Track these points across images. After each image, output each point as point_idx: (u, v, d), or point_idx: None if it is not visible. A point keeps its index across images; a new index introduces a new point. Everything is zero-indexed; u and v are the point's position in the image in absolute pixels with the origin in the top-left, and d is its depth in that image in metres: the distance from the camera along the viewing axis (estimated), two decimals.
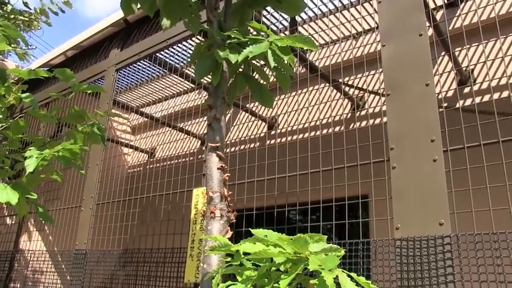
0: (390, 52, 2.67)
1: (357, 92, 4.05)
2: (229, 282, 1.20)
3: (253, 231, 1.24)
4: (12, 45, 5.18)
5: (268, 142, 4.68)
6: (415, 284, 2.17)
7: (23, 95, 2.29)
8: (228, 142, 4.80)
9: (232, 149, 4.10)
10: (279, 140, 4.56)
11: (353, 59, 3.19)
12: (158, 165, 5.13)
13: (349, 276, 0.99)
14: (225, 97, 1.72)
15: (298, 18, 4.45)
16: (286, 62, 1.63)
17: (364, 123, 4.07)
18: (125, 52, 4.59)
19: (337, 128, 4.15)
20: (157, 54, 4.43)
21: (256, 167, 3.26)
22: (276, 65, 1.54)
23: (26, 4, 6.05)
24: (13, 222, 5.50)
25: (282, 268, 1.22)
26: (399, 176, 2.42)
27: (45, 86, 5.82)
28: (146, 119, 5.89)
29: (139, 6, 1.85)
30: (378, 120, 4.06)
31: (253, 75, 1.98)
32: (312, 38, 4.27)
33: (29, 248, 5.54)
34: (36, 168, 2.41)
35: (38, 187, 5.57)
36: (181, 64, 4.99)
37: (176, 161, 4.76)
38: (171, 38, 4.07)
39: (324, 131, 4.09)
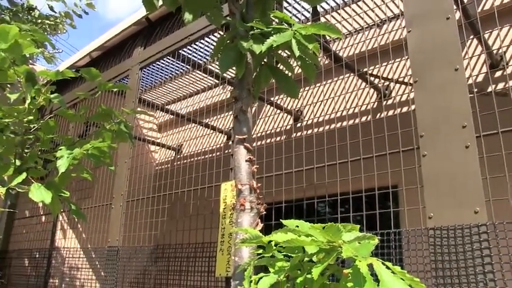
0: (416, 38, 2.61)
1: (383, 80, 3.98)
2: (262, 274, 1.19)
3: (284, 221, 1.23)
4: (40, 49, 5.29)
5: (294, 134, 4.66)
6: (450, 274, 2.12)
7: (52, 96, 2.33)
8: (254, 136, 4.79)
9: (259, 143, 4.09)
10: (305, 132, 4.53)
11: (378, 47, 3.13)
12: (185, 161, 5.17)
13: (384, 264, 0.97)
14: (250, 89, 1.71)
15: (320, 9, 4.40)
16: (310, 50, 1.60)
17: (391, 112, 4.00)
18: (148, 50, 4.63)
19: (363, 118, 4.09)
20: (180, 51, 4.45)
21: (283, 159, 3.24)
22: (300, 54, 1.52)
23: (51, 8, 6.18)
24: (48, 221, 5.64)
25: (314, 259, 1.20)
26: (430, 163, 2.37)
27: (72, 87, 5.93)
28: (172, 116, 5.94)
29: (161, 2, 1.85)
30: (405, 109, 3.99)
31: (278, 66, 1.96)
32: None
33: (64, 245, 5.68)
34: (68, 168, 2.46)
35: (69, 186, 5.70)
36: (205, 60, 5.00)
37: (203, 156, 4.79)
38: (193, 34, 4.08)
39: (351, 122, 4.04)
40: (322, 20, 4.32)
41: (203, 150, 5.46)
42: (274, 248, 1.31)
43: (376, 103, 4.30)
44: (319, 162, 3.00)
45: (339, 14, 4.15)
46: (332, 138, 2.99)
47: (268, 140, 4.21)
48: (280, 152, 3.29)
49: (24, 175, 2.15)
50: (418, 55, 2.58)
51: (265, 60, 1.88)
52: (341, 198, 2.77)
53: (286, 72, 1.91)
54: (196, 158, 4.61)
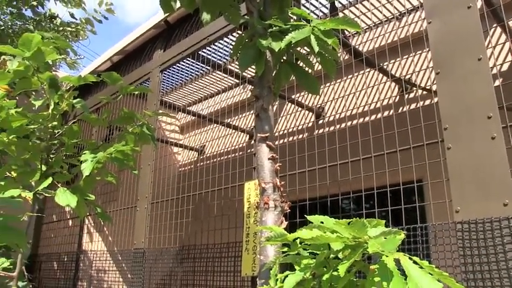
0: (437, 29, 2.56)
1: (404, 74, 3.92)
2: (288, 273, 1.18)
3: (309, 218, 1.22)
4: (62, 56, 5.39)
5: (316, 131, 4.63)
6: (480, 269, 2.08)
7: (75, 101, 2.36)
8: (276, 134, 4.78)
9: (281, 141, 4.08)
10: (327, 128, 4.50)
11: (398, 40, 3.09)
12: (208, 162, 5.20)
13: (411, 259, 0.95)
14: (270, 86, 1.70)
15: (338, 4, 4.36)
16: (330, 46, 1.59)
17: (414, 105, 3.94)
18: (168, 52, 4.66)
19: (386, 113, 4.05)
20: (199, 52, 4.47)
21: (306, 157, 3.23)
22: (319, 49, 1.50)
23: (72, 15, 6.30)
24: (75, 225, 5.74)
25: (340, 255, 1.19)
26: (455, 156, 2.32)
27: (95, 92, 6.02)
28: (194, 117, 5.98)
29: (178, 4, 1.86)
30: (428, 102, 3.92)
31: (298, 63, 1.95)
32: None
33: (91, 248, 5.77)
34: (92, 171, 2.50)
35: (95, 190, 5.79)
36: (224, 60, 5.02)
37: (226, 156, 4.80)
38: (212, 35, 4.09)
39: (373, 117, 3.99)
40: (341, 15, 4.29)
41: (226, 150, 5.48)
42: (300, 245, 1.30)
43: (398, 97, 4.25)
44: (343, 158, 2.97)
45: (357, 9, 4.11)
46: (355, 133, 2.96)
47: (291, 138, 4.20)
48: (303, 149, 3.28)
49: (50, 180, 2.19)
50: (440, 46, 2.53)
51: (284, 57, 1.88)
52: (365, 194, 2.74)
53: (306, 68, 1.90)
54: (219, 158, 4.62)
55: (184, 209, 4.05)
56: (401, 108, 4.01)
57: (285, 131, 4.18)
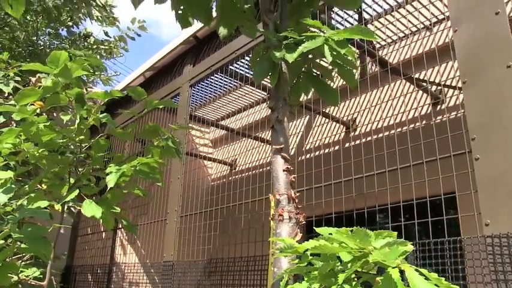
0: (463, 36, 2.50)
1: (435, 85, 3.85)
2: (297, 284, 1.17)
3: (317, 229, 1.20)
4: (97, 73, 5.59)
5: (347, 144, 4.59)
6: None
7: (101, 116, 2.43)
8: (308, 147, 4.77)
9: (315, 153, 4.06)
10: (358, 141, 4.45)
11: (426, 51, 3.04)
12: (237, 176, 5.22)
13: (417, 271, 0.92)
14: (286, 98, 1.70)
15: (366, 15, 4.34)
16: (347, 56, 1.58)
17: (445, 116, 3.85)
18: (197, 67, 4.74)
19: (417, 124, 3.97)
20: (228, 66, 4.52)
21: (332, 169, 3.19)
22: (333, 59, 1.50)
23: (106, 33, 6.53)
24: (108, 237, 5.86)
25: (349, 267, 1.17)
26: (484, 167, 2.24)
27: (127, 108, 6.16)
28: (225, 132, 6.04)
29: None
30: (460, 113, 3.82)
31: (318, 75, 1.95)
32: (380, 33, 4.15)
33: (123, 261, 5.87)
34: (119, 184, 2.56)
35: (126, 203, 5.92)
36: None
37: (253, 172, 4.81)
38: (240, 49, 4.13)
39: (404, 128, 3.92)
40: (369, 26, 4.26)
41: (255, 164, 5.49)
42: (311, 257, 1.28)
43: (429, 108, 4.16)
44: (370, 170, 2.93)
45: (386, 20, 4.07)
46: (382, 145, 2.91)
47: (323, 151, 4.17)
48: (333, 161, 3.24)
49: (76, 192, 2.25)
50: (466, 54, 2.47)
51: (304, 70, 1.87)
52: (391, 206, 2.69)
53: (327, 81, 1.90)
54: (247, 173, 4.64)
55: (212, 222, 4.07)
56: (432, 119, 3.92)
57: (318, 144, 4.16)
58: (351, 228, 1.04)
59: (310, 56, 1.82)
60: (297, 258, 1.41)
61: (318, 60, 1.91)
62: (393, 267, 0.94)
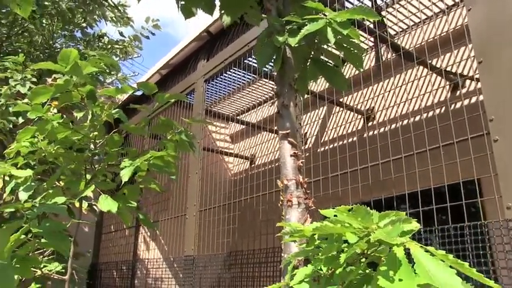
0: (477, 15, 2.43)
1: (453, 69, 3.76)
2: (304, 268, 1.15)
3: (322, 212, 1.18)
4: (113, 72, 5.65)
5: (365, 134, 4.54)
6: None
7: (114, 111, 2.45)
8: (326, 139, 4.73)
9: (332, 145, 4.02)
10: (376, 131, 4.39)
11: (440, 36, 2.97)
12: (254, 170, 5.21)
13: (422, 248, 0.89)
14: (291, 83, 1.68)
15: (380, 2, 4.27)
16: (352, 38, 1.55)
17: (466, 101, 3.76)
18: (210, 62, 4.74)
19: (437, 111, 3.89)
20: (242, 59, 4.49)
21: (348, 157, 3.16)
22: (337, 41, 1.47)
23: (121, 34, 6.60)
24: (131, 234, 5.94)
25: (358, 250, 1.15)
26: (503, 149, 2.18)
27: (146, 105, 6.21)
28: (242, 126, 6.03)
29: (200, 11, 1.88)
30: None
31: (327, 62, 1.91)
32: (397, 19, 4.07)
33: (146, 256, 5.94)
34: (136, 179, 2.58)
35: (147, 200, 5.98)
36: (270, 67, 5.02)
37: (273, 165, 4.79)
38: (252, 41, 4.10)
39: (424, 115, 3.85)
40: (384, 13, 4.19)
41: (274, 157, 5.48)
42: (319, 241, 1.26)
43: (449, 94, 4.07)
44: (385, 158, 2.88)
45: (402, 6, 4.00)
46: (403, 133, 2.86)
47: (341, 142, 4.12)
48: (350, 151, 3.20)
49: (92, 187, 2.28)
50: (481, 33, 2.40)
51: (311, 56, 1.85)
52: (409, 194, 2.64)
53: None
54: (266, 168, 4.62)
55: (231, 215, 4.07)
56: (451, 105, 3.84)
57: (335, 136, 4.11)
58: (350, 207, 1.02)
59: (316, 41, 1.80)
60: (307, 243, 1.40)
61: (325, 47, 1.88)
62: (398, 246, 0.92)
